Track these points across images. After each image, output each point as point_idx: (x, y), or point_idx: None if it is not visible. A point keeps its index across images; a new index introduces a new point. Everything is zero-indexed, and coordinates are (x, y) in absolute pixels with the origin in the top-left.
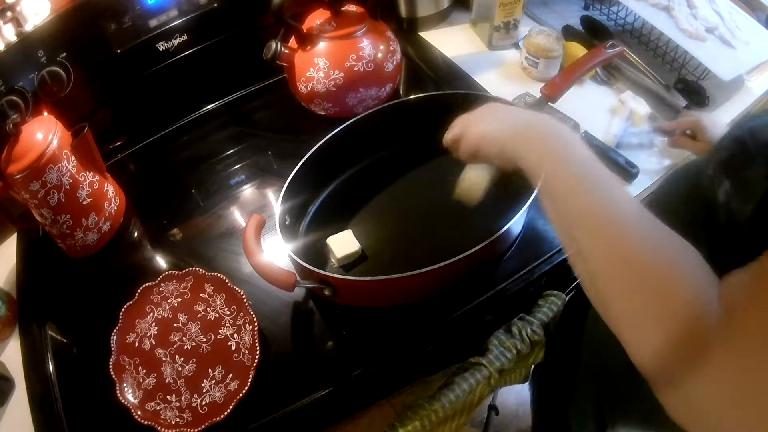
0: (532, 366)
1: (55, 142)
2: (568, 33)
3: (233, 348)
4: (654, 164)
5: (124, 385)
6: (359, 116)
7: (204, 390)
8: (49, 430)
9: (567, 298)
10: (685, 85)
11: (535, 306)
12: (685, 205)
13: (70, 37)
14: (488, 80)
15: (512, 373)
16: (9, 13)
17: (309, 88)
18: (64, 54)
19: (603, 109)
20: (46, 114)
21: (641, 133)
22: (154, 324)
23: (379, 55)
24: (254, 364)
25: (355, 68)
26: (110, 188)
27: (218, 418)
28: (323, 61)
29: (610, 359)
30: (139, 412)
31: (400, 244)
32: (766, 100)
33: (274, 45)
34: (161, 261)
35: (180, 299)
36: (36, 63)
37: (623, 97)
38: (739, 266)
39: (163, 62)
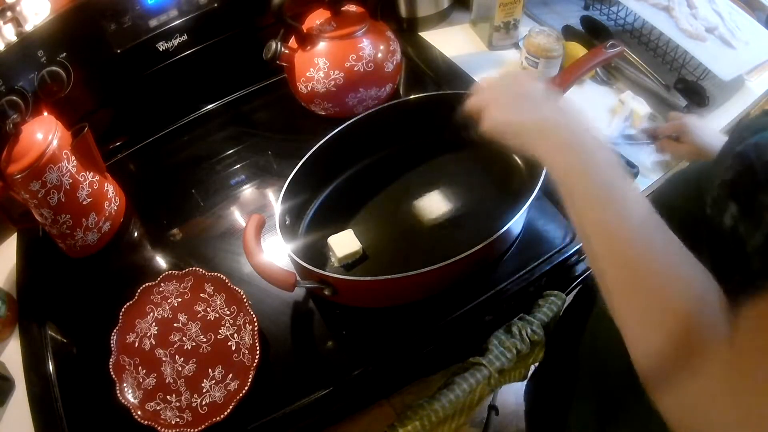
0: (532, 366)
1: (55, 142)
2: (568, 33)
3: (233, 348)
4: (653, 164)
5: (124, 385)
6: (359, 116)
7: (204, 390)
8: (49, 430)
9: (567, 298)
10: (685, 85)
11: (535, 306)
12: (683, 212)
13: (70, 37)
14: None
15: (512, 372)
16: (9, 13)
17: (309, 88)
18: (64, 54)
19: (603, 109)
20: (46, 114)
21: (641, 132)
22: (154, 324)
23: (379, 55)
24: (254, 364)
25: (355, 68)
26: (110, 188)
27: (218, 418)
28: (323, 61)
29: (610, 360)
30: (139, 412)
31: (400, 244)
32: (766, 101)
33: (274, 45)
34: (161, 261)
35: (180, 299)
36: (36, 63)
37: (623, 97)
38: (744, 285)
39: (163, 62)
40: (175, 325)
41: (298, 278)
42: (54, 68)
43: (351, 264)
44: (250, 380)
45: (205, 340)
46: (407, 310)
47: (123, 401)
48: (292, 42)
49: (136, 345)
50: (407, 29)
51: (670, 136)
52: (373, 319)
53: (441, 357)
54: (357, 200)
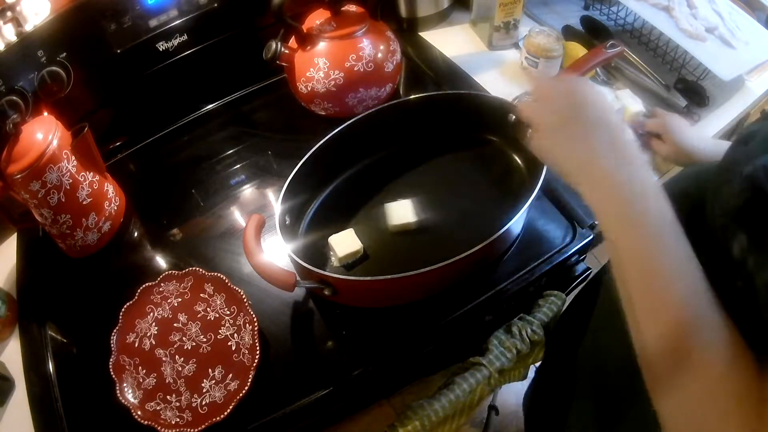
0: (532, 365)
1: (55, 142)
2: (568, 33)
3: (233, 348)
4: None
5: (124, 385)
6: (359, 116)
7: (204, 390)
8: (49, 430)
9: (567, 298)
10: (685, 85)
11: (535, 306)
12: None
13: (70, 37)
14: (488, 80)
15: (512, 372)
16: (9, 13)
17: (309, 88)
18: (64, 54)
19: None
20: (46, 114)
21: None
22: (154, 324)
23: (379, 55)
24: (254, 364)
25: (355, 68)
26: (110, 188)
27: (218, 418)
28: (323, 61)
29: (610, 360)
30: (139, 412)
31: (400, 244)
32: (766, 101)
33: (274, 45)
34: (161, 261)
35: (180, 299)
36: (36, 63)
37: (619, 93)
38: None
39: (163, 62)
40: (175, 325)
41: (298, 278)
42: (54, 68)
43: (351, 264)
44: (250, 380)
45: (205, 340)
46: (407, 310)
47: (123, 401)
48: (292, 42)
49: (136, 345)
50: (407, 29)
51: (652, 132)
52: (373, 319)
53: (441, 357)
54: (357, 200)
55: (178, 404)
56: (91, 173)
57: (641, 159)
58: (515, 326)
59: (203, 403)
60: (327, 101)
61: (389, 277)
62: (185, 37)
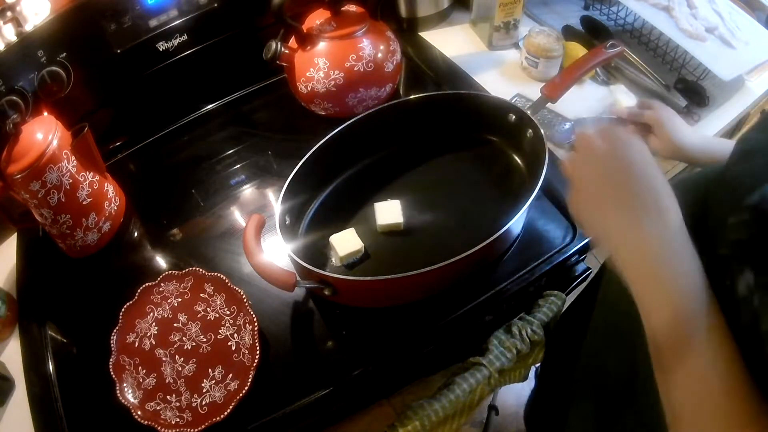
0: (532, 366)
1: (55, 142)
2: (568, 33)
3: (233, 348)
4: None
5: (124, 385)
6: (359, 116)
7: (204, 390)
8: (49, 430)
9: (567, 298)
10: (685, 85)
11: (535, 306)
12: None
13: (70, 37)
14: (488, 80)
15: (512, 372)
16: (9, 13)
17: (309, 88)
18: (64, 54)
19: (603, 110)
20: (46, 114)
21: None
22: (154, 324)
23: (379, 55)
24: (254, 364)
25: (355, 68)
26: (110, 188)
27: (218, 418)
28: (323, 61)
29: (610, 360)
30: (139, 412)
31: (400, 244)
32: (766, 101)
33: (274, 45)
34: (161, 261)
35: (180, 299)
36: (36, 63)
37: (614, 88)
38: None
39: (163, 62)
40: (175, 325)
41: (298, 278)
42: (54, 68)
43: (352, 263)
44: (250, 380)
45: (205, 340)
46: (407, 310)
47: (123, 401)
48: (292, 42)
49: (136, 345)
50: (407, 29)
51: (637, 122)
52: (373, 319)
53: (441, 357)
54: (357, 200)
55: (178, 404)
56: (91, 173)
57: (678, 224)
58: (515, 326)
59: (203, 403)
60: (327, 101)
61: (389, 277)
62: (185, 37)
